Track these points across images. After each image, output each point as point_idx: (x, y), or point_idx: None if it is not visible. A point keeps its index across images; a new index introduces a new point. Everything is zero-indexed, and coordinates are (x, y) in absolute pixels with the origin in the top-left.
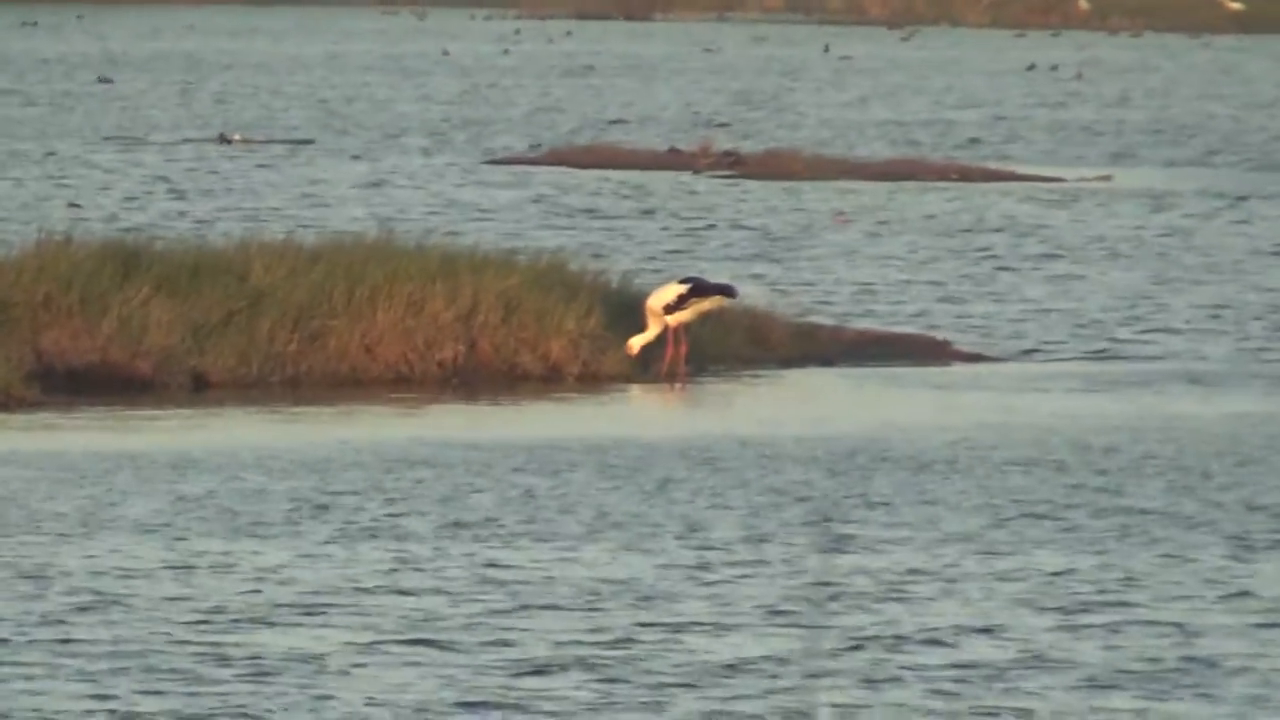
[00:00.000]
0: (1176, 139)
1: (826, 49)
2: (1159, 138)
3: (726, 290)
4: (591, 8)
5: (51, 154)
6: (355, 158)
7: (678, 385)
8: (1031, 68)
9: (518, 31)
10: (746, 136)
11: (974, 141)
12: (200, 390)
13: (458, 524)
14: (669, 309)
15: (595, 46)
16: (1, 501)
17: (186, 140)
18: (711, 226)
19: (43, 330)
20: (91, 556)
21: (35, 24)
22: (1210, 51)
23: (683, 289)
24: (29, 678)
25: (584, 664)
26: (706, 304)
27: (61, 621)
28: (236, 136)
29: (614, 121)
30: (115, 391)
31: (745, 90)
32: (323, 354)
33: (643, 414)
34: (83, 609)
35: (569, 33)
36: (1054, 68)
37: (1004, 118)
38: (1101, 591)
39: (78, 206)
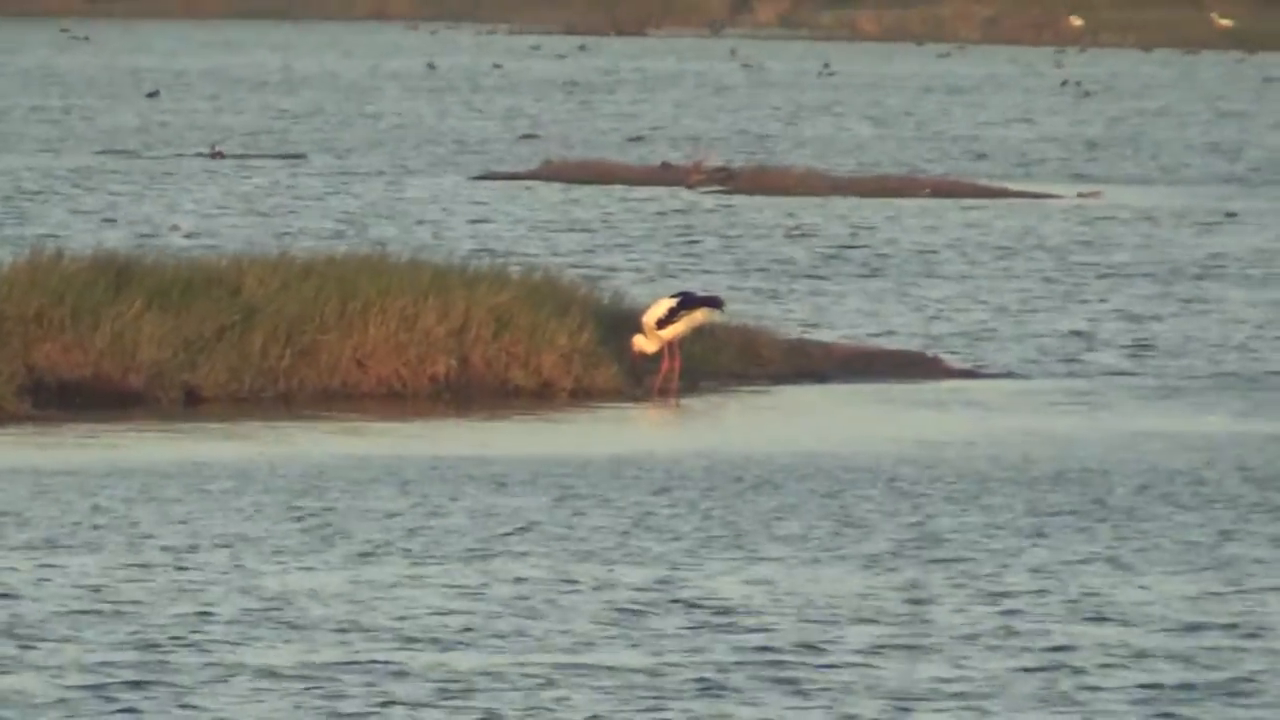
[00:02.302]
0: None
1: (826, 66)
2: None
3: (713, 302)
4: (582, 23)
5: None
6: (348, 173)
7: (671, 401)
8: (1065, 84)
9: (537, 46)
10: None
11: (981, 157)
12: (192, 405)
13: (465, 542)
14: (661, 324)
15: (605, 62)
16: None
17: (178, 154)
18: (694, 242)
19: (35, 344)
20: (79, 572)
21: (87, 39)
22: (1246, 68)
23: (672, 302)
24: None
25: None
26: (697, 316)
27: (46, 638)
28: (223, 150)
29: (633, 139)
30: (107, 406)
31: (792, 109)
32: (315, 368)
33: (635, 431)
34: (76, 622)
35: (582, 47)
36: (1077, 83)
37: (1028, 135)
38: (1113, 610)
39: (112, 221)
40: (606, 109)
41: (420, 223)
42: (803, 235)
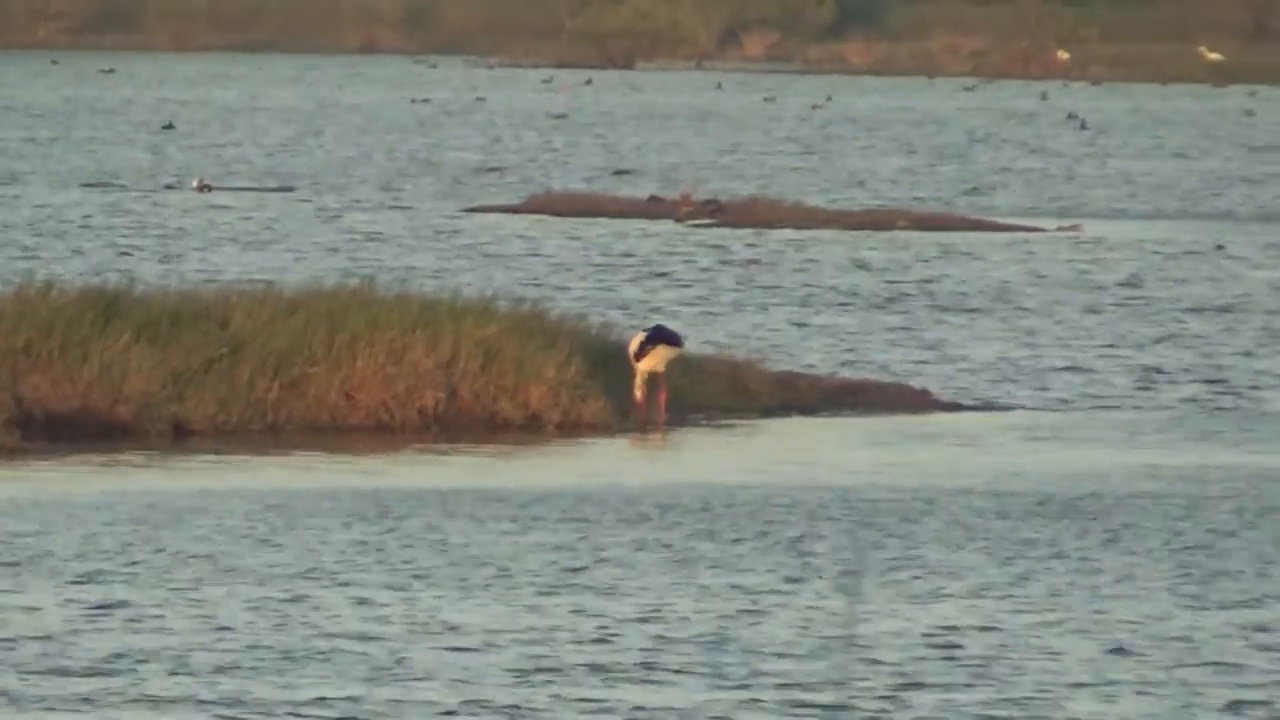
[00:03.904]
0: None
1: (829, 99)
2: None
3: (671, 339)
4: (572, 57)
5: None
6: (334, 205)
7: (655, 433)
8: (1071, 117)
9: (548, 80)
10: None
11: (974, 191)
12: (180, 438)
13: (454, 575)
14: (636, 357)
15: (618, 96)
16: None
17: (167, 187)
18: (666, 274)
19: (23, 377)
20: (73, 603)
21: (112, 71)
22: (1255, 103)
23: (643, 336)
24: None
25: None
26: (659, 352)
27: (52, 671)
28: (209, 184)
29: (619, 172)
30: (95, 438)
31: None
32: (303, 401)
33: (621, 463)
34: (65, 657)
35: (588, 81)
36: (1073, 116)
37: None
38: (1114, 640)
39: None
40: (626, 142)
41: (403, 254)
42: (758, 267)
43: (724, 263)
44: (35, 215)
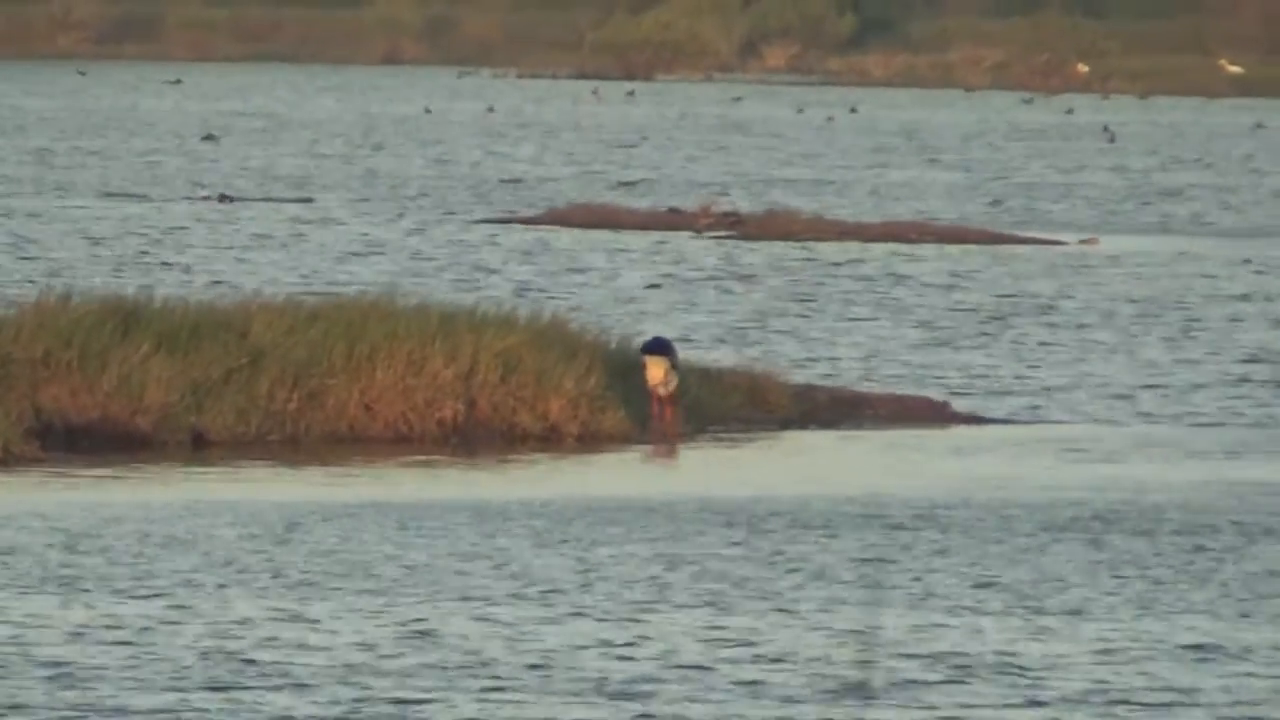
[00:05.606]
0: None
1: (853, 110)
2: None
3: (655, 349)
4: (592, 68)
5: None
6: (355, 216)
7: (667, 445)
8: (1106, 129)
9: (595, 91)
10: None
11: (996, 203)
12: (200, 448)
13: (466, 587)
14: (642, 368)
15: (659, 109)
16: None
17: (186, 198)
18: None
19: (42, 387)
20: (95, 615)
21: (179, 82)
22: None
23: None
24: None
25: None
26: (651, 363)
27: (68, 685)
28: (229, 195)
29: (625, 183)
30: (115, 448)
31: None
32: (322, 412)
33: (639, 476)
34: (87, 668)
35: (631, 92)
36: (1105, 129)
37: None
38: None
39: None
40: (678, 154)
41: (423, 265)
42: (752, 279)
43: (739, 274)
44: (60, 226)
